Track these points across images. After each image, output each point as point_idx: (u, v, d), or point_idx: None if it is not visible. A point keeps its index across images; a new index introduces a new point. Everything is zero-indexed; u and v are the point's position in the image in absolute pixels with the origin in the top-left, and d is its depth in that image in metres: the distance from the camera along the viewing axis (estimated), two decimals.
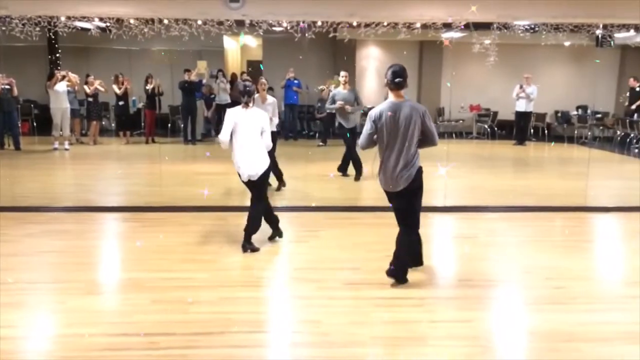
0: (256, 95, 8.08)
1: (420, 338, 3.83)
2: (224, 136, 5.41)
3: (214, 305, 4.32)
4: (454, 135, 15.03)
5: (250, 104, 5.50)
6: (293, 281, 4.92)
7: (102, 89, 13.07)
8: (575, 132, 14.84)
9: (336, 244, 5.90)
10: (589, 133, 14.72)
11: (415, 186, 4.61)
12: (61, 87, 12.15)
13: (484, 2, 7.85)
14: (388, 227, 6.51)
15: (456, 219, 7.13)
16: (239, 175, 5.55)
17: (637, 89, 13.66)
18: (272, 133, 6.86)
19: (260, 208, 5.66)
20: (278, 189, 8.21)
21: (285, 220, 6.20)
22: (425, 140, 4.62)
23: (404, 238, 4.74)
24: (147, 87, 13.27)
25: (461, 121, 15.34)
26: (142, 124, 14.05)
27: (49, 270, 5.12)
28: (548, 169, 11.69)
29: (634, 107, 13.58)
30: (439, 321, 4.13)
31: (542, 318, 4.18)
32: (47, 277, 4.95)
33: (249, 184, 5.56)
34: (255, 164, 5.43)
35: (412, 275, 4.91)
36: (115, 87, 13.12)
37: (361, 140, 4.69)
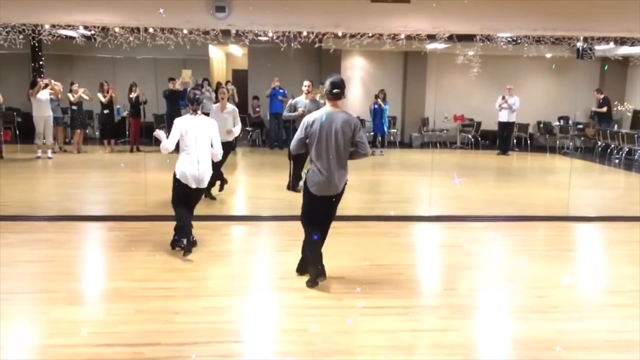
0: (215, 106, 8.20)
1: (404, 347, 3.84)
2: (169, 144, 5.50)
3: (199, 314, 4.31)
4: (438, 145, 15.15)
5: (199, 112, 5.62)
6: (277, 290, 4.92)
7: (86, 97, 12.97)
8: (557, 142, 15.05)
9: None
10: (571, 143, 14.94)
11: (341, 194, 4.90)
12: (44, 95, 12.04)
13: (467, 15, 7.97)
14: (371, 236, 6.56)
15: (441, 228, 7.18)
16: (181, 183, 5.60)
17: (601, 100, 14.36)
18: (228, 143, 7.02)
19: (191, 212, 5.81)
20: (221, 189, 8.37)
21: (269, 229, 6.21)
22: (355, 152, 4.81)
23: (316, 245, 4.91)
24: (131, 96, 13.21)
25: (445, 131, 15.48)
26: (127, 132, 13.98)
27: (30, 280, 5.06)
28: (531, 178, 11.84)
29: (593, 109, 14.69)
30: (423, 330, 4.16)
31: (525, 326, 4.22)
32: (28, 287, 4.88)
33: (194, 190, 5.67)
34: (204, 172, 5.61)
35: (396, 284, 4.94)
36: (100, 95, 13.04)
37: (292, 143, 4.90)
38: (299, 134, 4.81)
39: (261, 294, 4.91)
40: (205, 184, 5.76)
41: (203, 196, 7.54)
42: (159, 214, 7.25)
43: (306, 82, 8.78)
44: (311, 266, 4.90)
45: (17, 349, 3.79)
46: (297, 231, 6.67)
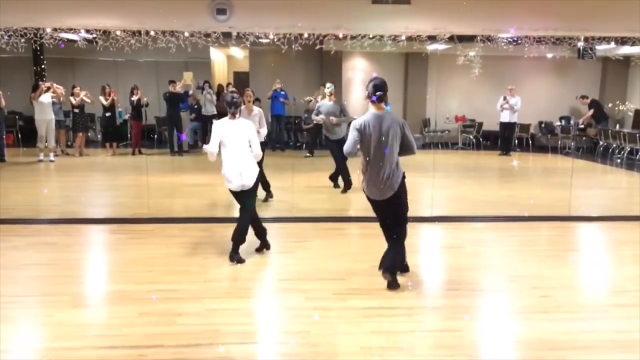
0: (242, 107, 8.15)
1: (408, 348, 3.85)
2: (212, 147, 5.43)
3: (202, 316, 4.32)
4: (439, 145, 15.15)
5: (237, 115, 5.55)
6: (281, 292, 4.93)
7: (88, 100, 13.00)
8: (559, 142, 15.04)
9: (323, 255, 5.92)
10: (572, 143, 14.94)
11: (401, 190, 4.85)
12: (46, 98, 12.07)
13: (467, 16, 7.98)
14: (374, 238, 6.55)
15: (443, 229, 7.19)
16: (230, 186, 5.57)
17: (589, 105, 14.43)
18: (260, 143, 6.92)
19: (248, 218, 5.68)
20: (265, 200, 8.22)
21: (272, 231, 6.21)
22: (405, 149, 4.85)
23: (393, 251, 4.92)
24: (133, 99, 13.24)
25: (447, 132, 15.48)
26: (129, 135, 14.01)
27: (34, 283, 5.07)
28: (532, 179, 11.83)
29: (581, 122, 14.73)
30: (426, 331, 4.16)
31: (528, 327, 4.22)
32: (33, 290, 4.90)
33: (239, 194, 5.60)
34: (245, 174, 5.49)
35: (400, 285, 4.95)
36: (102, 98, 13.07)
37: (346, 146, 4.83)
38: (353, 136, 4.78)
39: (264, 296, 4.92)
40: (248, 187, 5.58)
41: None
42: (162, 217, 7.27)
43: (328, 84, 8.89)
44: (391, 264, 4.94)
45: (22, 351, 3.80)
46: (299, 233, 6.71)
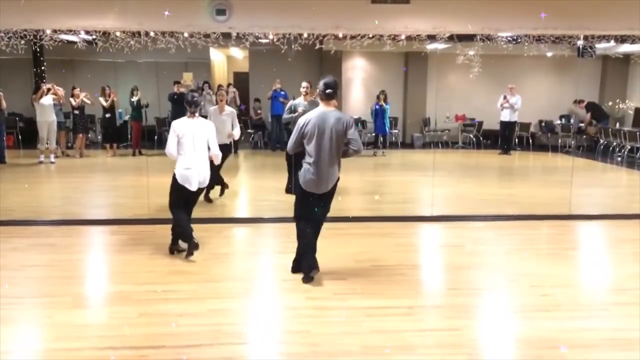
0: (213, 108, 8.24)
1: (409, 347, 3.85)
2: (170, 148, 5.58)
3: (202, 317, 4.32)
4: (440, 145, 15.15)
5: (196, 115, 5.67)
6: (281, 292, 4.93)
7: (88, 101, 13.00)
8: (559, 141, 15.03)
9: (323, 255, 5.89)
10: (573, 142, 14.93)
11: (332, 191, 5.02)
12: (47, 100, 12.07)
13: (467, 15, 7.98)
14: (374, 237, 6.57)
15: (443, 228, 7.19)
16: (181, 185, 5.63)
17: (586, 108, 14.41)
18: (226, 145, 7.03)
19: (179, 215, 5.74)
20: (222, 194, 8.36)
21: (272, 231, 6.23)
22: (349, 148, 4.93)
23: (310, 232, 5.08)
24: (133, 99, 13.24)
25: (447, 131, 15.47)
26: (129, 136, 14.01)
27: (35, 284, 5.08)
28: (533, 177, 11.83)
29: (583, 126, 14.62)
30: (427, 330, 4.16)
31: (528, 325, 4.23)
32: (33, 291, 4.90)
33: (195, 193, 5.72)
34: (203, 174, 5.64)
35: (400, 284, 4.96)
36: (102, 99, 13.08)
37: (289, 144, 5.07)
38: (294, 134, 4.98)
39: (264, 296, 4.92)
40: (205, 185, 5.80)
41: (202, 198, 7.61)
42: (162, 217, 7.27)
43: (304, 84, 8.78)
44: (304, 260, 5.03)
45: (22, 352, 3.81)
46: None
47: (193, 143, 5.59)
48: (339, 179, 5.03)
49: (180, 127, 5.59)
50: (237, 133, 7.94)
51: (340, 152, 4.93)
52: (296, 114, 8.47)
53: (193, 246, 5.61)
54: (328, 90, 4.89)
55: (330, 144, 4.84)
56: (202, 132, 5.66)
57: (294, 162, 8.33)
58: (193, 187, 5.64)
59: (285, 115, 8.73)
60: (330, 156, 4.87)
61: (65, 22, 7.99)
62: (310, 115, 4.94)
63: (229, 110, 7.87)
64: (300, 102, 8.69)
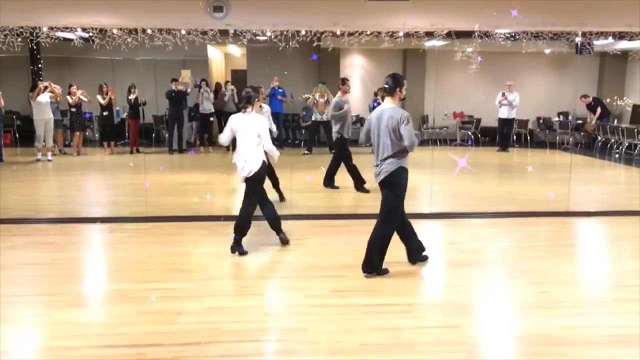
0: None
1: (408, 344, 3.84)
2: (223, 138, 5.86)
3: (201, 315, 4.31)
4: (438, 142, 15.14)
5: (249, 110, 5.74)
6: (280, 289, 4.92)
7: (85, 99, 12.97)
8: (557, 138, 15.04)
9: (322, 252, 5.92)
10: (571, 139, 14.93)
11: (390, 180, 5.00)
12: (44, 98, 12.04)
13: (465, 11, 7.96)
14: None
15: (442, 225, 7.18)
16: (240, 174, 5.85)
17: (592, 103, 14.26)
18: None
19: (249, 205, 5.81)
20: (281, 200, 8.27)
21: (270, 229, 6.19)
22: (402, 143, 4.96)
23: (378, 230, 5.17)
24: (130, 97, 13.21)
25: (445, 128, 15.47)
26: (127, 134, 13.98)
27: (33, 282, 5.06)
28: (531, 174, 11.81)
29: (593, 122, 14.37)
30: (426, 327, 4.15)
31: (528, 322, 4.22)
32: (31, 289, 4.89)
33: (245, 180, 5.85)
34: (248, 164, 5.70)
35: (399, 282, 4.94)
36: (99, 97, 13.04)
37: (361, 135, 5.35)
38: (365, 126, 5.29)
39: (263, 294, 4.91)
40: (251, 176, 5.78)
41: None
42: (160, 215, 7.26)
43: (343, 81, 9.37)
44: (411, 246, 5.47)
45: (20, 351, 3.79)
46: (298, 230, 6.69)
47: (243, 136, 5.73)
48: (402, 169, 4.99)
49: (233, 122, 5.78)
50: (274, 130, 7.84)
51: (394, 147, 4.95)
52: (342, 110, 8.97)
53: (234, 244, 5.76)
54: (385, 85, 5.14)
55: (384, 138, 4.97)
56: (253, 127, 5.72)
57: (337, 159, 9.01)
58: (240, 178, 5.84)
59: (333, 112, 9.08)
60: (384, 147, 4.98)
61: (62, 19, 7.95)
62: (375, 111, 5.17)
63: (266, 107, 7.87)
64: (343, 99, 9.11)
